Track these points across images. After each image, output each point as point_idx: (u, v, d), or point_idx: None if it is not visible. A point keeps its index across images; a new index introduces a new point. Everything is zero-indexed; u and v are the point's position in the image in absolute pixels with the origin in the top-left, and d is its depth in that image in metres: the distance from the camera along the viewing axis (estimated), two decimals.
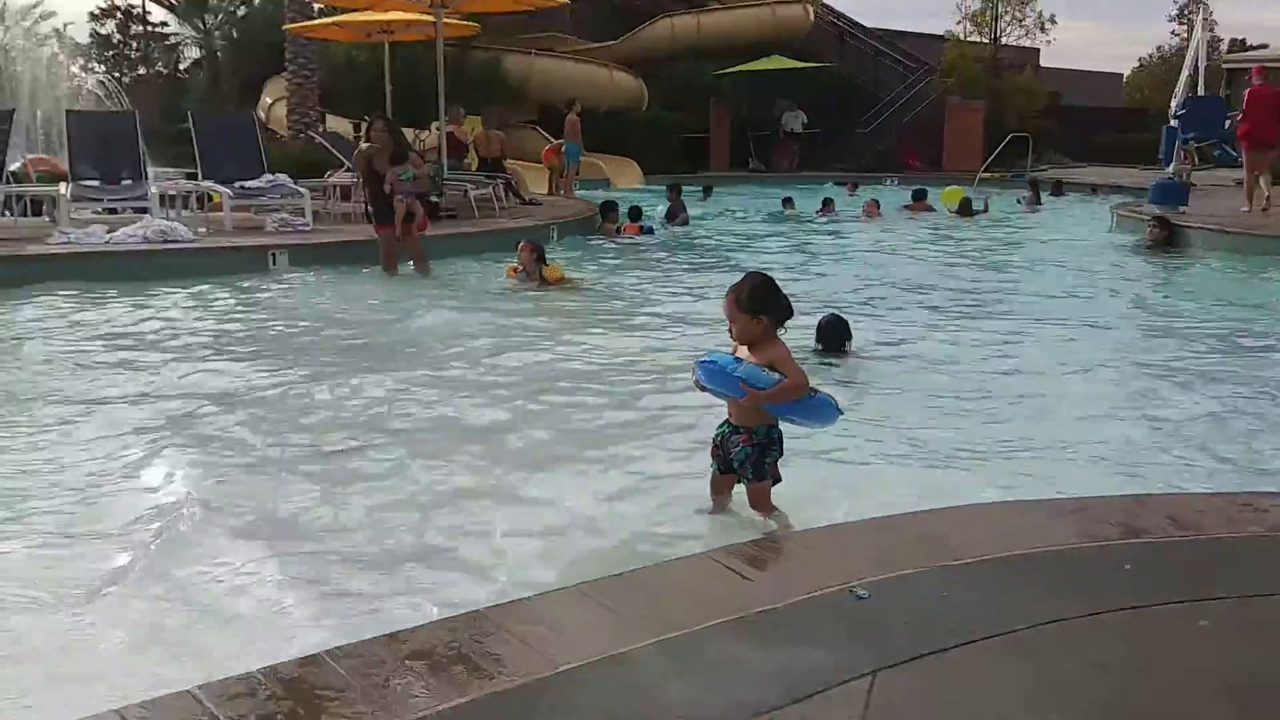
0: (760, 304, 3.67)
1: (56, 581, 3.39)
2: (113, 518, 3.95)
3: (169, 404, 5.53)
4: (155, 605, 3.26)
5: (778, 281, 3.78)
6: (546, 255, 9.82)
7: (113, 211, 11.88)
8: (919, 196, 18.82)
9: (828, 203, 18.39)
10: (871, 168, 27.43)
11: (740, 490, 3.89)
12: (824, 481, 4.31)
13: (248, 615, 3.21)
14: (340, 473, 4.50)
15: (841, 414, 3.76)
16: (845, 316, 6.85)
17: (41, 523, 3.89)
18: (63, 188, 11.61)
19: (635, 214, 15.45)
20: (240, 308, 8.64)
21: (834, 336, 6.60)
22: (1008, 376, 6.36)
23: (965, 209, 17.89)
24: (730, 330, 3.75)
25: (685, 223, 15.72)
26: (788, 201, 18.89)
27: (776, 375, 3.60)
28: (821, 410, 3.72)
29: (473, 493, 4.25)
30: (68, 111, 12.96)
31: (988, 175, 23.86)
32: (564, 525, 3.92)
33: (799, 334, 6.43)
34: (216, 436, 4.99)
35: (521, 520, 3.96)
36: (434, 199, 12.68)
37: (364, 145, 10.08)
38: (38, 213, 11.90)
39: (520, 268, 9.68)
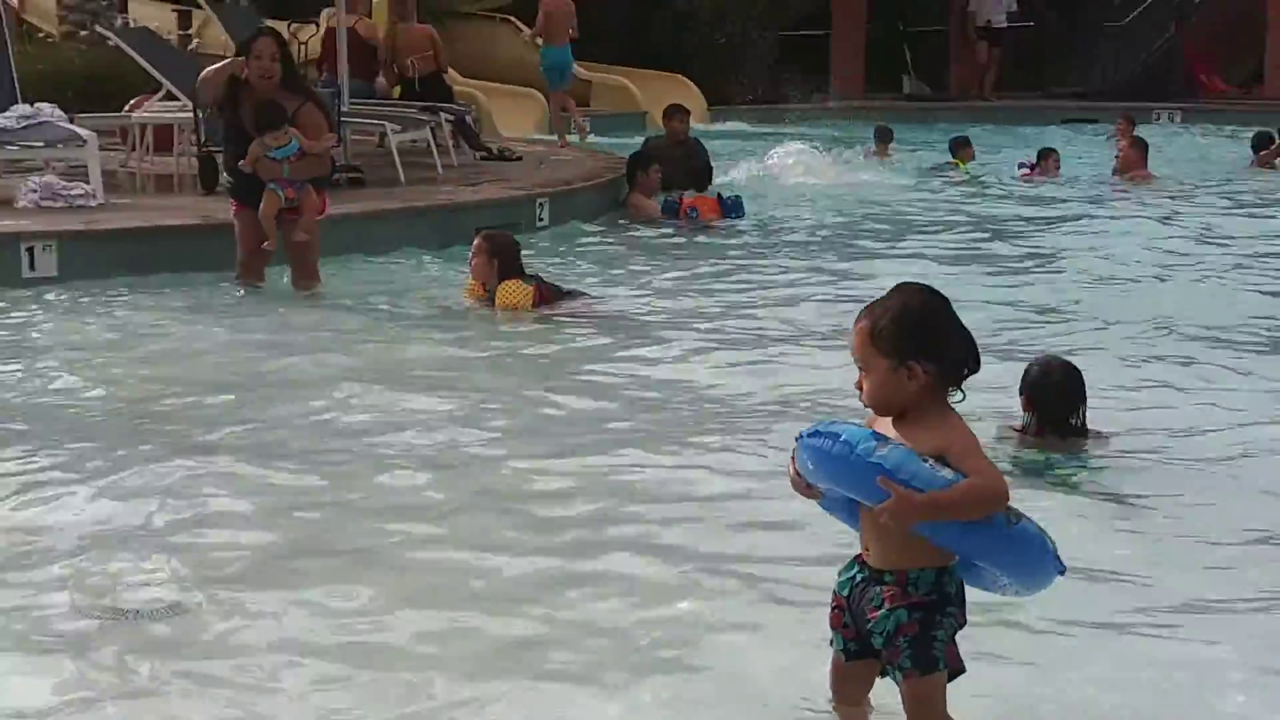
0: (917, 341, 3.66)
1: None
2: None
3: None
4: None
5: (951, 304, 3.77)
6: (521, 258, 9.93)
7: None
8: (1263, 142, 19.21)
9: (1046, 157, 18.52)
10: (1127, 91, 27.46)
11: (887, 687, 3.88)
12: (1051, 684, 4.29)
13: None
14: (138, 646, 4.56)
15: (1063, 570, 3.70)
16: (1078, 366, 6.84)
17: None
18: None
19: (702, 177, 15.49)
20: None
21: (1056, 401, 6.59)
22: None
23: None
24: (859, 388, 3.74)
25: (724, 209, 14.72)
26: (961, 148, 19.06)
27: (948, 473, 3.58)
28: (1026, 553, 3.65)
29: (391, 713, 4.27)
30: None
31: None
32: None
33: (988, 397, 6.44)
34: None
35: None
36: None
37: (226, 67, 10.30)
38: None
39: (478, 282, 9.84)
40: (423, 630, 4.71)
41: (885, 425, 3.70)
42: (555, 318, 9.57)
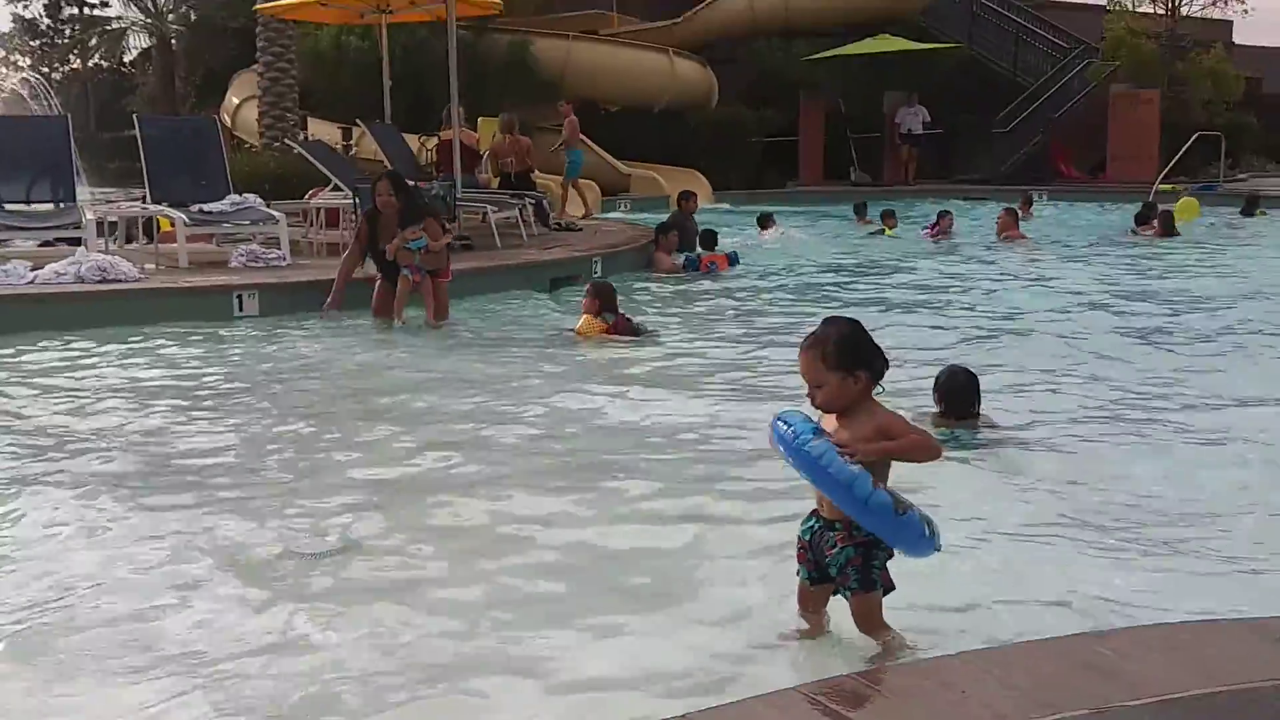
0: (856, 355, 3.63)
1: None
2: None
3: (107, 495, 5.58)
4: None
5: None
6: (615, 300, 9.92)
7: (50, 244, 12.29)
8: (1144, 218, 18.66)
9: (942, 218, 18.47)
10: (1012, 178, 27.50)
11: (840, 605, 3.83)
12: (954, 593, 4.22)
13: None
14: (323, 581, 4.53)
15: (938, 548, 3.64)
16: (974, 371, 6.78)
17: None
18: None
19: (709, 240, 15.52)
20: (196, 365, 8.81)
21: (960, 397, 6.53)
22: (1205, 454, 6.26)
23: (1168, 227, 17.85)
24: (812, 398, 3.69)
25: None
26: (889, 218, 19.02)
27: (856, 467, 3.50)
28: (907, 534, 3.57)
29: (489, 604, 4.23)
30: None
31: (1166, 187, 23.70)
32: (604, 654, 3.87)
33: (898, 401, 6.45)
34: (158, 530, 5.03)
35: (548, 647, 3.92)
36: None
37: (349, 259, 10.88)
38: None
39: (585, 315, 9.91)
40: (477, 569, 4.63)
41: (830, 420, 3.68)
42: (620, 341, 9.52)
